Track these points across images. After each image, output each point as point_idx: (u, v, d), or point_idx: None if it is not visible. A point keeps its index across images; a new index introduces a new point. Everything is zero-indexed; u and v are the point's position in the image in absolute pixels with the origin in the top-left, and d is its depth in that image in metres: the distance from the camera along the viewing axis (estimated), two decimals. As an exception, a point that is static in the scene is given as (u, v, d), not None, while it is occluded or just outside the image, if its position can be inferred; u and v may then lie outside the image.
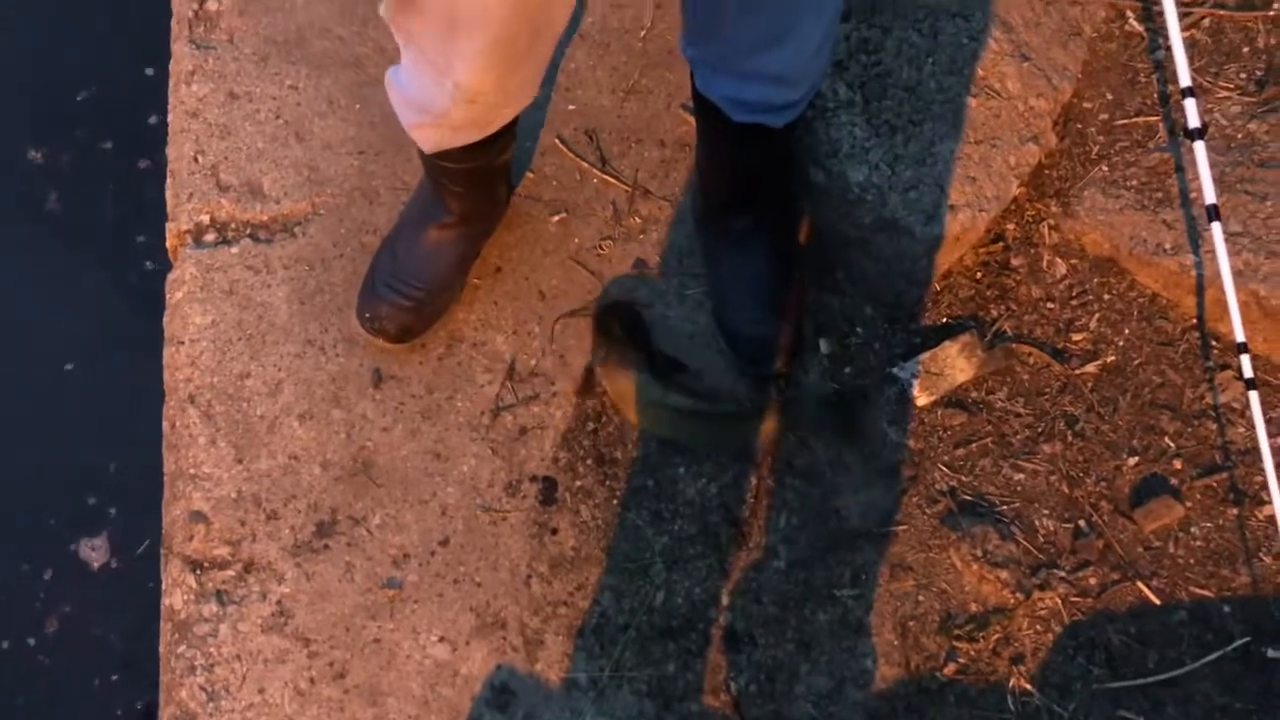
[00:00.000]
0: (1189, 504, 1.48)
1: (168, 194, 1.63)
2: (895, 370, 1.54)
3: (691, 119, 1.66)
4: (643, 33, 1.74)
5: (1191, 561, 1.45)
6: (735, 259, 1.54)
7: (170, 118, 1.68)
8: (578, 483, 1.46)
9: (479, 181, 1.45)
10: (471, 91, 1.19)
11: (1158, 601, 1.43)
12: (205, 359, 1.51)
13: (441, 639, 1.38)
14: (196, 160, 1.63)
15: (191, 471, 1.45)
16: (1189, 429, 1.52)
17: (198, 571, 1.40)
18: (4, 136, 2.04)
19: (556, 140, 1.66)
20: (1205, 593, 1.43)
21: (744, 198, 1.52)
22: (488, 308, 1.56)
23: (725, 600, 1.42)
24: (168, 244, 1.61)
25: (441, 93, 1.21)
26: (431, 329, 1.52)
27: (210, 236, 1.59)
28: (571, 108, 1.68)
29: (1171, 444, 1.51)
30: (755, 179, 1.50)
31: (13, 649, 1.72)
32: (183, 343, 1.52)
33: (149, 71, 2.04)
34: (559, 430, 1.49)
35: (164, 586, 1.41)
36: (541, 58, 1.23)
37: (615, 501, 1.45)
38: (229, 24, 1.73)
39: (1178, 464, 1.50)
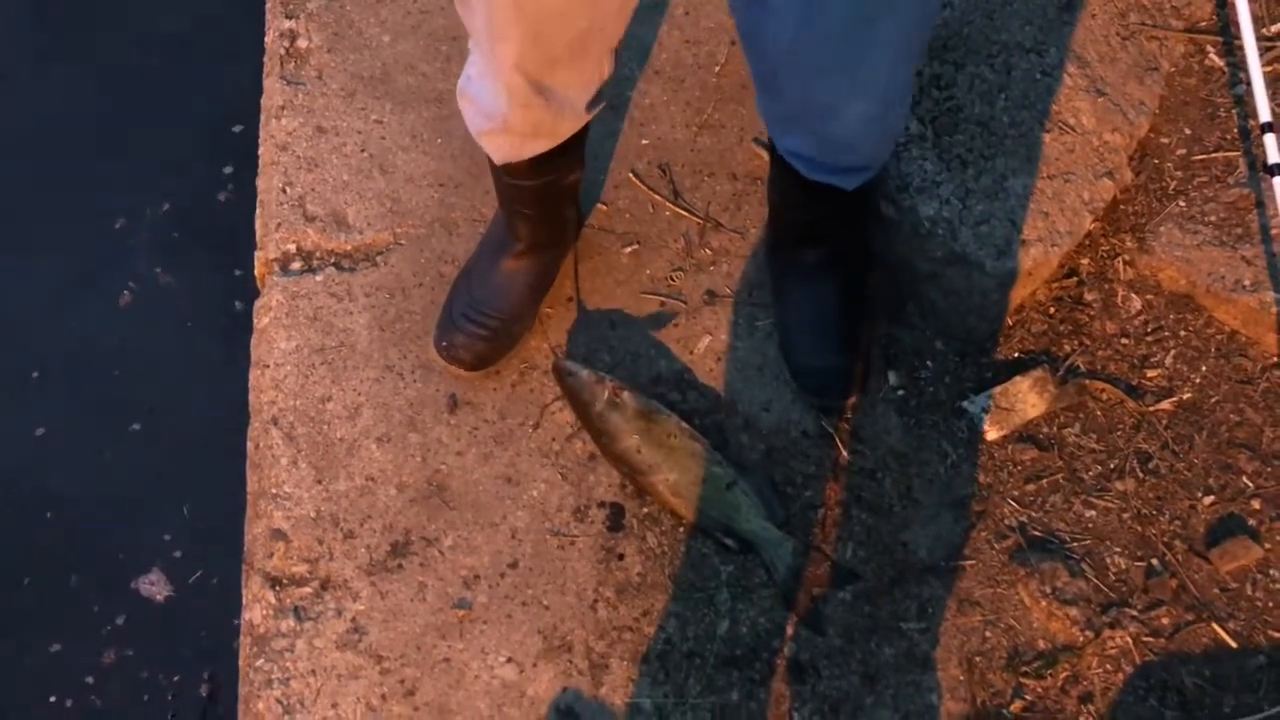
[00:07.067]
0: (1268, 545, 1.45)
1: (257, 223, 1.70)
2: (965, 404, 1.54)
3: (763, 153, 1.69)
4: (717, 68, 1.77)
5: (1270, 604, 1.42)
6: (802, 293, 1.55)
7: (261, 150, 1.75)
8: (645, 509, 1.48)
9: (548, 201, 1.48)
10: (511, 88, 1.21)
11: (1234, 644, 1.40)
12: (289, 382, 1.57)
13: (509, 660, 1.41)
14: (285, 191, 1.70)
15: (273, 491, 1.50)
16: (1268, 469, 1.49)
17: (277, 588, 1.45)
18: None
19: (630, 174, 1.69)
20: (1284, 637, 1.40)
21: (811, 234, 1.53)
22: (560, 337, 1.59)
23: (790, 631, 1.42)
24: (256, 271, 1.68)
25: (498, 96, 1.25)
26: (506, 356, 1.56)
27: (296, 264, 1.65)
28: (645, 142, 1.72)
29: (1250, 483, 1.48)
30: (826, 226, 1.52)
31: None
32: (268, 366, 1.58)
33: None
34: (628, 458, 1.51)
35: (244, 601, 1.46)
36: (588, 67, 1.24)
37: (681, 529, 1.47)
38: (318, 61, 1.80)
39: (1256, 504, 1.47)
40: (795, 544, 1.44)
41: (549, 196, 1.47)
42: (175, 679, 1.74)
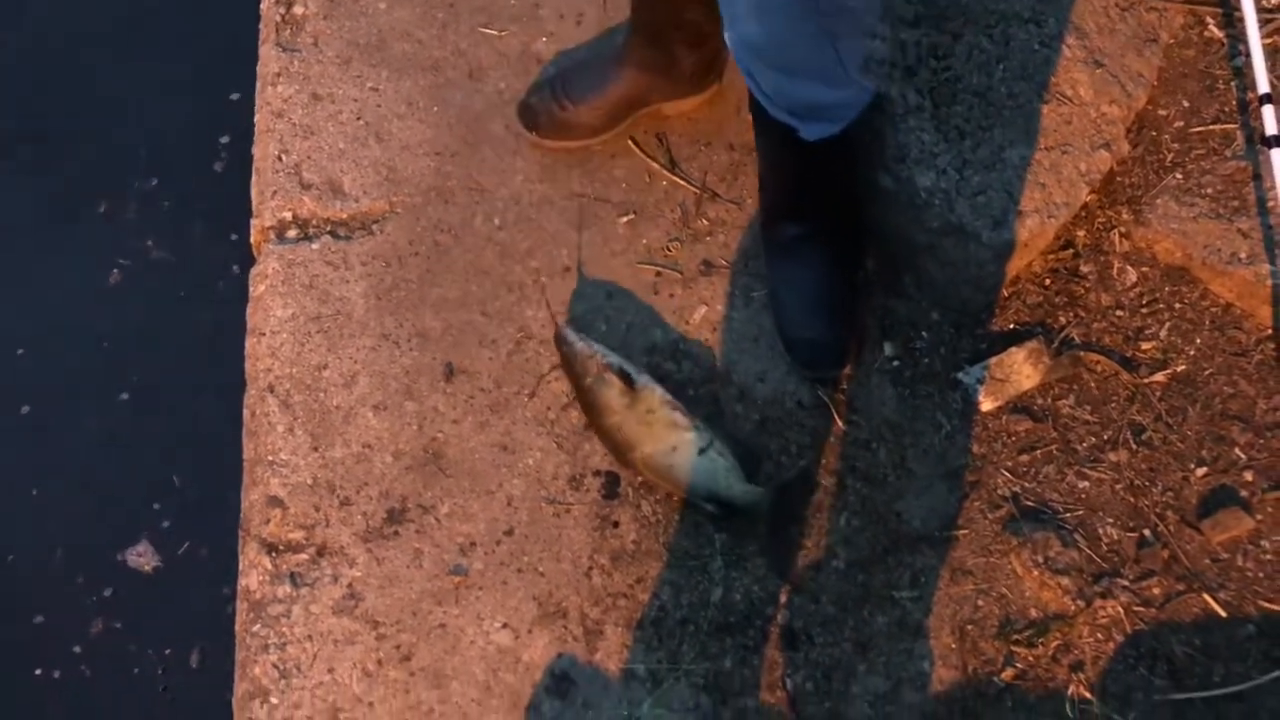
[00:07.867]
0: (1259, 516, 1.45)
1: (253, 191, 1.69)
2: (960, 375, 1.54)
3: (761, 123, 1.68)
4: (715, 38, 1.76)
5: (1260, 575, 1.43)
6: (790, 266, 1.55)
7: (256, 118, 1.74)
8: (639, 478, 1.48)
9: (651, 10, 1.55)
10: None
11: (1224, 614, 1.41)
12: (285, 350, 1.57)
13: (504, 626, 1.42)
14: (280, 159, 1.69)
15: (269, 458, 1.51)
16: (1261, 440, 1.50)
17: (273, 554, 1.46)
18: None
19: (629, 141, 1.69)
20: (1274, 607, 1.41)
21: (796, 204, 1.53)
22: (557, 306, 1.59)
23: (783, 598, 1.43)
24: (252, 239, 1.67)
25: None
26: (564, 142, 1.67)
27: (292, 232, 1.65)
28: (643, 110, 1.71)
29: (1242, 455, 1.49)
30: (800, 183, 1.51)
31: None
32: (264, 334, 1.58)
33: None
34: (623, 427, 1.52)
35: (240, 567, 1.47)
36: None
37: (676, 497, 1.48)
38: (314, 28, 1.79)
39: (1248, 475, 1.48)
40: (775, 499, 1.44)
41: (652, 8, 1.54)
42: (165, 650, 1.75)
